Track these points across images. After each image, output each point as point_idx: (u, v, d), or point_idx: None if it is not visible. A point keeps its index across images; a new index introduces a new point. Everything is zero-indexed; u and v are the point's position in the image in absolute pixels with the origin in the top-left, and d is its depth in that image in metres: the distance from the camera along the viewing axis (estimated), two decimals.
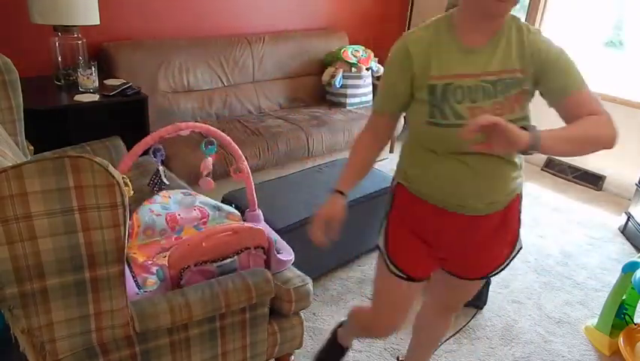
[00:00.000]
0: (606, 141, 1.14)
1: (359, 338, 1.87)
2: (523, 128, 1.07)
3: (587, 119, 1.13)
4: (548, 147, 1.07)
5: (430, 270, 1.43)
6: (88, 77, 2.50)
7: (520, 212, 1.38)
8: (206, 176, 1.74)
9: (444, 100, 1.18)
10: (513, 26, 1.19)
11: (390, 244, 1.39)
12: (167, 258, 1.37)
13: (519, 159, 1.27)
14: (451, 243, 1.34)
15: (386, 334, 1.58)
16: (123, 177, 1.17)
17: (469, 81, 1.17)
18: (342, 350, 1.81)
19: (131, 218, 1.66)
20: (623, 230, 3.11)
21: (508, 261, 1.41)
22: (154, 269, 1.51)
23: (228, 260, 1.44)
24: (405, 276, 1.37)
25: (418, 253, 1.37)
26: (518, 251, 1.42)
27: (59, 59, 2.58)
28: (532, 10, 3.84)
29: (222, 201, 2.14)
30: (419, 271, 1.39)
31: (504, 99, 1.17)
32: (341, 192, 1.34)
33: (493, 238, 1.34)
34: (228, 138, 1.67)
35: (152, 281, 1.47)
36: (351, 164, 1.38)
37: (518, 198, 1.35)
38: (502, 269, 1.42)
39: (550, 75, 1.17)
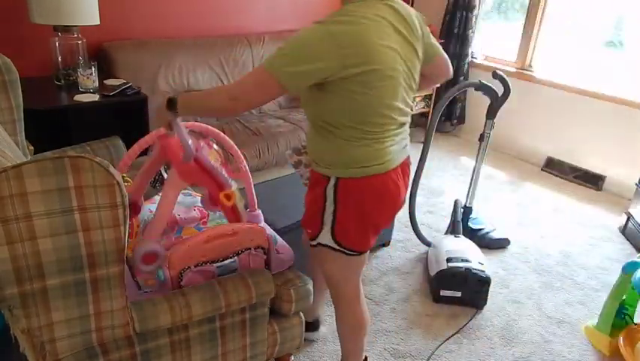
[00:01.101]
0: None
1: None
2: None
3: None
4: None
5: None
6: (88, 77, 2.50)
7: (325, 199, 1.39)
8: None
9: None
10: None
11: None
12: (167, 258, 1.37)
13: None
14: None
15: None
16: (123, 176, 1.17)
17: None
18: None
19: (130, 218, 1.66)
20: (623, 230, 3.11)
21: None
22: None
23: (228, 260, 1.44)
24: None
25: None
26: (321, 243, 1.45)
27: (59, 59, 2.58)
28: (532, 9, 3.84)
29: None
30: None
31: None
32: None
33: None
34: (228, 138, 1.67)
35: (152, 281, 1.47)
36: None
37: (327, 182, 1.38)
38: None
39: None
